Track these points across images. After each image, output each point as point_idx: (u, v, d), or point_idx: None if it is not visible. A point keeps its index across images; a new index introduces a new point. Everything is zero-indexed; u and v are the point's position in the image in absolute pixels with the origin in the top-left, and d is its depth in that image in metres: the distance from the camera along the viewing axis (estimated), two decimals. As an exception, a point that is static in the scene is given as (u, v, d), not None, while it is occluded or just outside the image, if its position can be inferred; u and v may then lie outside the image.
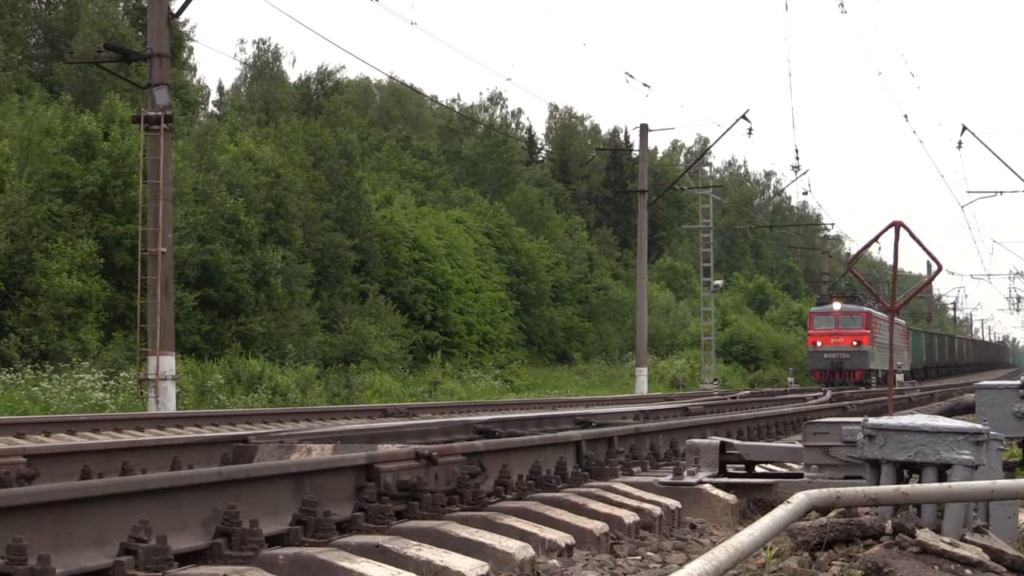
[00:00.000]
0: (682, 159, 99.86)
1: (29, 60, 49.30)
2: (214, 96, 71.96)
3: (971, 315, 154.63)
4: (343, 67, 77.98)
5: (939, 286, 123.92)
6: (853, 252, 76.32)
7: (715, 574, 3.97)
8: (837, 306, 54.16)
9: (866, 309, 54.33)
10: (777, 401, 24.98)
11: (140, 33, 41.48)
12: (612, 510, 6.86)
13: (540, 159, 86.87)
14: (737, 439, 10.38)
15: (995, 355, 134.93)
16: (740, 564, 4.78)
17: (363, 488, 5.97)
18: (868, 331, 53.75)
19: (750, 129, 42.14)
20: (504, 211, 60.86)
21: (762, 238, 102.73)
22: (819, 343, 54.00)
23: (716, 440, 8.40)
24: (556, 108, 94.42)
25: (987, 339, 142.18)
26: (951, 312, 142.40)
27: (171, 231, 22.08)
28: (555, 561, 5.77)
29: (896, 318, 54.95)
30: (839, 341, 53.39)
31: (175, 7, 22.95)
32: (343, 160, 46.93)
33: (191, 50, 57.65)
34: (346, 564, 4.72)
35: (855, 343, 53.34)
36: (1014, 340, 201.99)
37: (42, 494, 4.43)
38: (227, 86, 75.75)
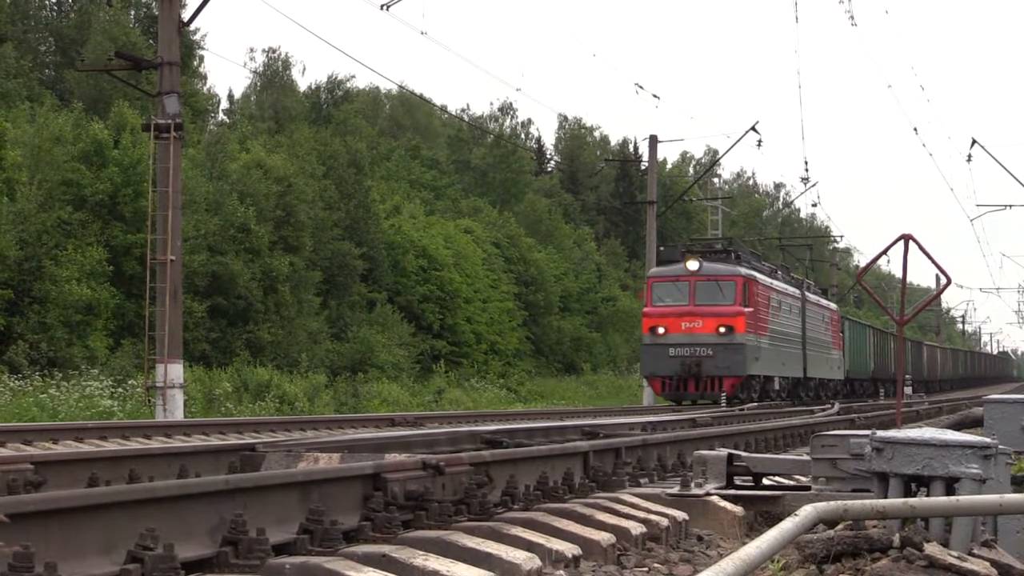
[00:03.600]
0: (691, 170, 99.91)
1: (40, 68, 49.47)
2: (224, 105, 72.12)
3: (980, 328, 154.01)
4: (353, 76, 78.26)
5: (948, 300, 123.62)
6: (862, 265, 74.68)
7: (722, 586, 3.96)
8: (693, 265, 34.13)
9: (744, 271, 34.99)
10: (784, 414, 24.93)
11: (151, 41, 41.57)
12: (619, 521, 6.85)
13: (549, 169, 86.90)
14: (744, 451, 10.36)
15: (995, 368, 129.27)
16: (747, 576, 4.77)
17: (370, 497, 5.96)
18: (747, 309, 34.25)
19: (759, 141, 42.10)
20: (513, 221, 60.91)
21: (771, 250, 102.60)
22: (661, 329, 33.98)
23: (723, 452, 8.39)
24: (565, 118, 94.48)
25: (974, 350, 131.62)
26: (959, 325, 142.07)
27: (180, 239, 22.11)
28: (561, 572, 5.76)
29: (815, 297, 44.69)
30: (695, 326, 33.87)
31: (186, 16, 23.03)
32: (353, 169, 47.00)
33: (201, 58, 57.83)
34: (352, 573, 4.71)
35: (722, 329, 33.46)
36: (1022, 353, 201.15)
37: (49, 501, 4.43)
38: (237, 95, 75.92)
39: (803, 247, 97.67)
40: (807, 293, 43.43)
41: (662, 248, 39.39)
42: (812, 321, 42.99)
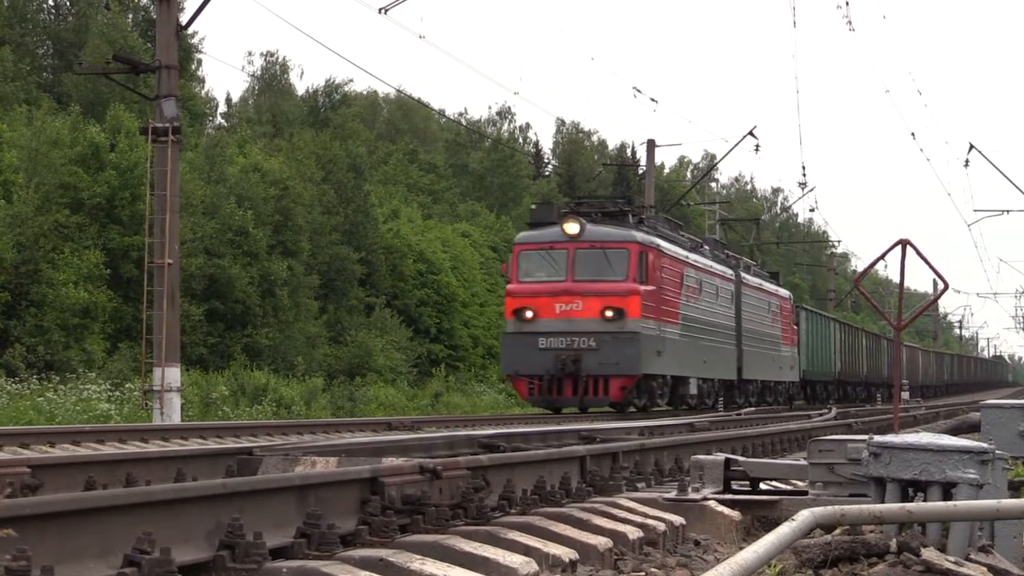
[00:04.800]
0: (689, 175, 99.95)
1: (38, 71, 49.47)
2: (222, 108, 72.17)
3: (977, 333, 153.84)
4: (351, 80, 78.18)
5: (945, 304, 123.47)
6: (860, 269, 73.62)
7: (719, 591, 3.96)
8: (573, 228, 26.69)
9: (642, 237, 27.40)
10: (782, 418, 24.93)
11: (149, 45, 41.57)
12: (616, 526, 6.85)
13: (547, 173, 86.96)
14: (742, 456, 10.36)
15: (988, 373, 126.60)
16: (744, 581, 4.77)
17: (367, 501, 5.96)
18: (645, 287, 26.86)
19: (757, 145, 42.05)
20: (510, 225, 60.93)
21: (768, 255, 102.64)
22: (528, 312, 26.59)
23: (721, 456, 8.39)
24: (563, 122, 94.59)
25: (964, 354, 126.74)
26: (957, 330, 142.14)
27: (177, 243, 22.11)
28: (559, 576, 5.75)
29: (755, 280, 37.54)
30: (573, 309, 26.40)
31: (184, 19, 23.03)
32: (352, 174, 47.04)
33: (199, 62, 57.85)
34: (349, 578, 4.71)
35: (609, 312, 26.14)
36: (1020, 359, 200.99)
37: (46, 505, 4.43)
38: (235, 98, 75.95)
39: (802, 252, 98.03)
40: (745, 275, 36.80)
41: (534, 206, 30.58)
42: (752, 310, 36.59)
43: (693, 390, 30.47)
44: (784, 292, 42.57)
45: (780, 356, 39.91)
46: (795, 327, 42.47)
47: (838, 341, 50.20)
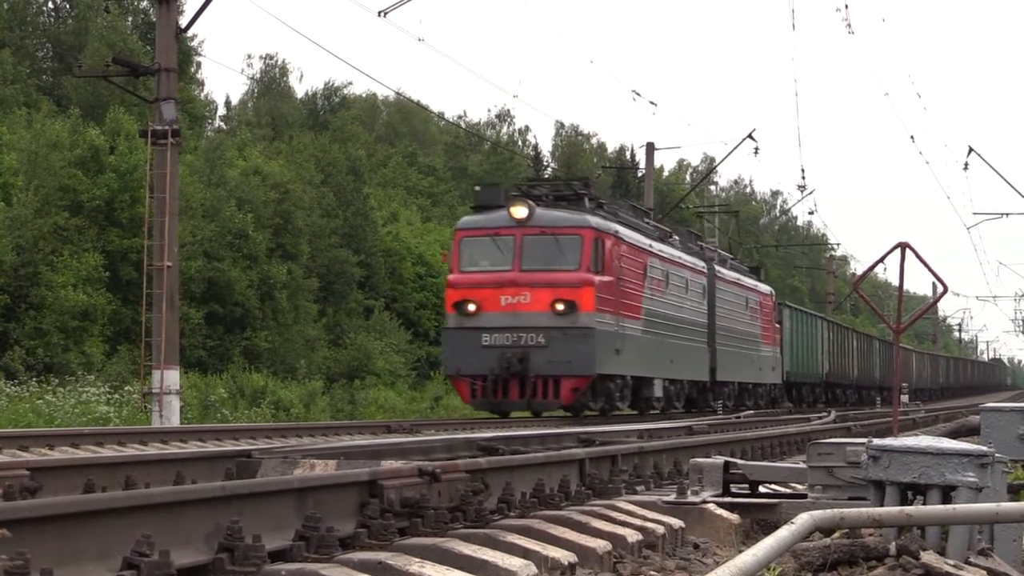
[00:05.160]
0: (688, 178, 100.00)
1: (37, 73, 49.47)
2: (221, 111, 72.19)
3: (976, 337, 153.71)
4: (350, 83, 78.25)
5: (944, 308, 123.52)
6: (859, 272, 73.08)
7: (718, 594, 3.96)
8: (521, 212, 24.31)
9: (598, 222, 24.97)
10: (781, 421, 24.95)
11: (148, 47, 41.58)
12: (615, 529, 6.85)
13: (546, 176, 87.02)
14: (741, 459, 10.36)
15: (986, 376, 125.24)
16: (743, 584, 4.76)
17: (366, 504, 5.97)
18: (601, 277, 24.49)
19: (756, 148, 41.92)
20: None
21: (768, 258, 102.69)
22: (471, 306, 24.29)
23: (720, 459, 8.39)
24: (562, 125, 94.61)
25: (959, 356, 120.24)
26: (956, 334, 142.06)
27: (177, 245, 22.12)
28: (558, 579, 5.75)
29: (732, 274, 35.22)
30: (521, 302, 24.04)
31: (183, 22, 23.05)
32: (351, 176, 47.05)
33: (199, 65, 57.85)
34: (348, 580, 4.71)
35: (560, 305, 23.82)
36: (1020, 362, 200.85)
37: (45, 507, 4.43)
38: (234, 101, 75.99)
39: (801, 254, 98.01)
40: (720, 268, 34.30)
41: (478, 188, 27.50)
42: (727, 305, 34.31)
43: (658, 392, 27.77)
44: (765, 288, 39.90)
45: (760, 356, 37.46)
46: (777, 325, 40.32)
47: (826, 341, 48.03)
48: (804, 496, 7.62)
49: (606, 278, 24.72)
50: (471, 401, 24.81)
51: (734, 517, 7.65)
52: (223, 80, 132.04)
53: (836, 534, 5.69)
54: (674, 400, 29.52)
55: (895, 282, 13.68)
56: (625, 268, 25.82)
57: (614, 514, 7.24)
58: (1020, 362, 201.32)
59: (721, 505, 7.76)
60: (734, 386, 34.98)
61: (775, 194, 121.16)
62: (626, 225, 26.81)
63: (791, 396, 42.93)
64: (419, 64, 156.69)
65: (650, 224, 30.08)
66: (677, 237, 31.98)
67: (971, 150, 41.14)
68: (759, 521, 7.88)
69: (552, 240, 24.23)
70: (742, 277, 37.13)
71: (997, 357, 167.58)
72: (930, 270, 13.90)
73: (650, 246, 27.86)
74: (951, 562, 5.19)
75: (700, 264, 32.33)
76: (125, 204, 32.63)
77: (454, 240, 25.72)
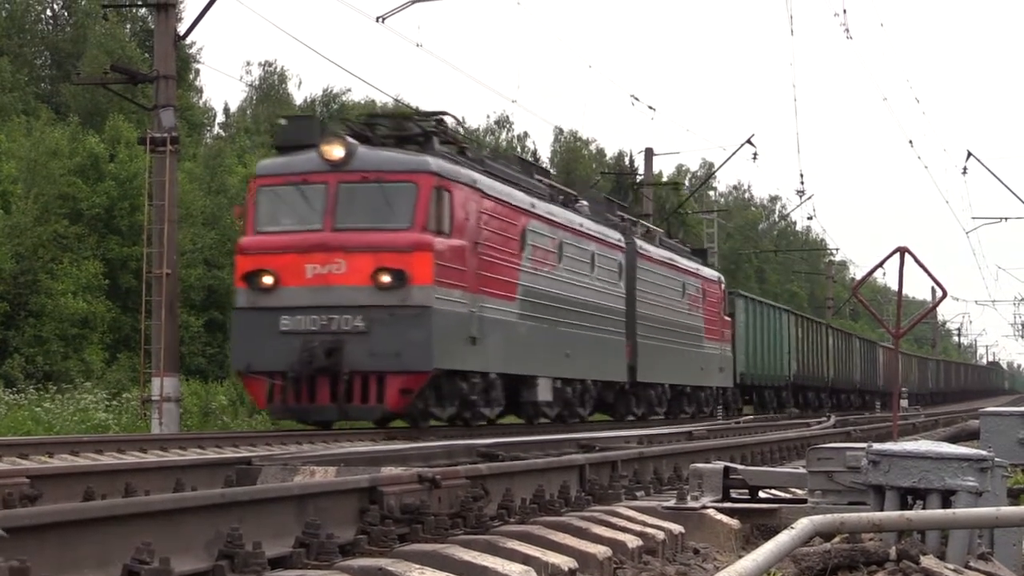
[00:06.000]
0: (687, 183, 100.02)
1: (36, 81, 49.52)
2: (220, 118, 72.22)
3: (975, 341, 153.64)
4: (349, 89, 78.12)
5: (944, 312, 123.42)
6: (858, 277, 72.78)
7: (718, 600, 3.96)
8: (336, 151, 18.60)
9: (440, 166, 19.09)
10: (781, 426, 24.93)
11: (147, 55, 41.63)
12: (615, 534, 6.85)
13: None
14: (741, 464, 10.36)
15: (983, 380, 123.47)
16: (743, 590, 4.76)
17: (366, 511, 5.97)
18: (442, 239, 18.82)
19: (755, 154, 41.66)
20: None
21: (766, 263, 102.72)
22: (268, 278, 18.47)
23: (720, 465, 8.39)
24: (561, 131, 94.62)
25: (953, 359, 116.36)
26: (955, 338, 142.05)
27: (176, 253, 22.14)
28: (558, 585, 5.74)
29: (663, 253, 30.01)
30: (332, 272, 18.28)
31: (182, 29, 23.07)
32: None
33: (197, 72, 57.88)
34: (349, 587, 4.71)
35: (385, 277, 18.08)
36: (1019, 366, 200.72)
37: (45, 515, 4.43)
38: (233, 108, 76.02)
39: (800, 260, 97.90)
40: (644, 244, 28.90)
41: (283, 120, 22.65)
42: (655, 290, 28.93)
43: (545, 395, 22.23)
44: (711, 273, 34.50)
45: (703, 354, 32.08)
46: (728, 318, 35.14)
47: (794, 338, 42.46)
48: (804, 501, 7.62)
49: (454, 242, 19.02)
50: (266, 405, 18.87)
51: (734, 522, 7.65)
52: (222, 87, 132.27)
53: (836, 539, 5.69)
54: (576, 405, 24.18)
55: (894, 287, 13.72)
56: (489, 231, 20.24)
57: (614, 520, 7.24)
58: (1019, 366, 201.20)
59: (721, 510, 7.76)
60: (663, 389, 29.62)
61: (774, 199, 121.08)
62: (496, 177, 21.18)
63: (749, 400, 38.76)
64: (418, 70, 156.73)
65: (544, 183, 24.36)
66: (586, 203, 26.53)
67: (970, 154, 41.09)
68: (759, 526, 7.88)
69: (377, 189, 18.40)
70: (677, 257, 31.47)
71: (995, 361, 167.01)
72: (929, 274, 13.90)
73: (532, 206, 22.21)
74: (951, 566, 5.20)
75: (615, 236, 26.66)
76: (125, 212, 32.66)
77: (249, 191, 19.92)
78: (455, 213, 19.17)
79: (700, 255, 35.53)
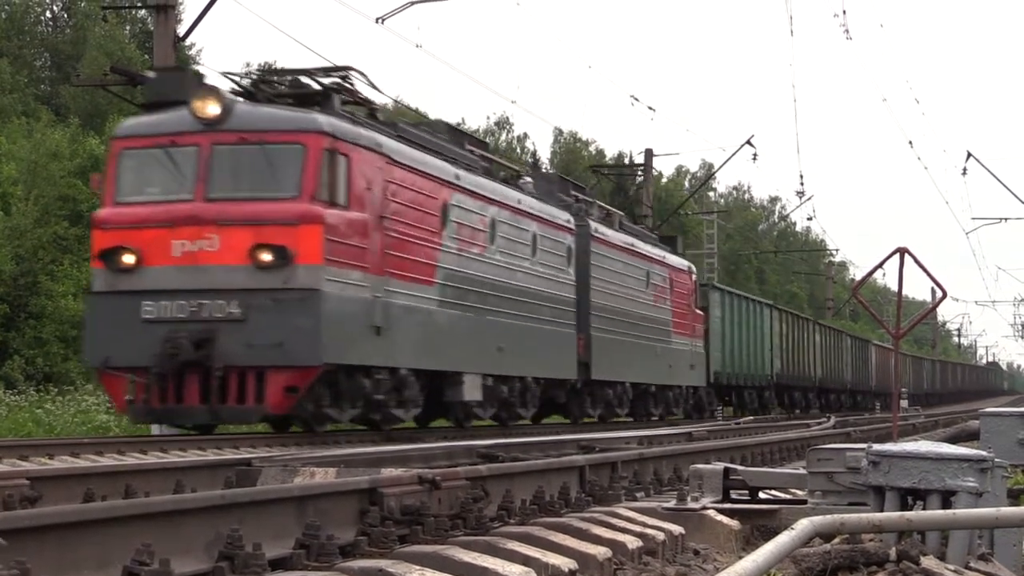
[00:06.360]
0: (687, 184, 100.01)
1: (36, 83, 49.54)
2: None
3: (975, 341, 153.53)
4: (348, 91, 78.08)
5: (944, 313, 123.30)
6: (858, 278, 72.78)
7: (718, 600, 3.96)
8: (211, 107, 15.72)
9: (333, 125, 16.14)
10: (781, 427, 24.93)
11: (147, 56, 41.62)
12: (615, 535, 6.85)
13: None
14: (741, 465, 10.37)
15: (982, 380, 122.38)
16: (743, 590, 4.76)
17: (366, 512, 5.97)
18: (335, 210, 15.83)
19: (755, 154, 41.67)
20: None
21: (766, 263, 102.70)
22: (129, 257, 15.58)
23: (720, 466, 8.39)
24: (561, 132, 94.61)
25: (949, 359, 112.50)
26: (955, 338, 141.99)
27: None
28: (558, 586, 5.74)
29: (625, 239, 27.55)
30: (204, 250, 15.47)
31: (181, 30, 23.07)
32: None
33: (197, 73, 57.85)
34: (349, 588, 4.71)
35: (265, 254, 15.33)
36: (1019, 367, 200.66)
37: (45, 517, 4.43)
38: (233, 109, 75.97)
39: (800, 260, 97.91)
40: (600, 227, 26.23)
41: (151, 71, 19.73)
42: (613, 278, 26.50)
43: (473, 394, 19.68)
44: (680, 262, 31.82)
45: (670, 350, 29.58)
46: (700, 312, 32.74)
47: (776, 335, 39.96)
48: (804, 502, 7.62)
49: (352, 215, 16.31)
50: (124, 408, 16.20)
51: (734, 523, 7.66)
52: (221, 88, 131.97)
53: (836, 540, 5.69)
54: (515, 406, 21.80)
55: (894, 287, 13.72)
56: (399, 204, 17.51)
57: (614, 521, 7.24)
58: (1019, 367, 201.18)
59: (721, 511, 7.76)
60: (624, 387, 27.08)
61: (773, 200, 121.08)
62: (412, 143, 18.48)
63: (728, 401, 36.49)
64: (417, 71, 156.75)
65: (476, 153, 21.50)
66: (530, 180, 24.16)
67: (969, 155, 41.13)
68: (759, 527, 7.89)
69: (257, 151, 15.78)
70: (640, 243, 28.79)
71: (994, 361, 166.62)
72: (929, 275, 13.90)
73: (456, 178, 19.44)
74: (951, 567, 5.20)
75: (563, 217, 23.99)
76: (124, 213, 32.66)
77: (109, 156, 17.33)
78: (353, 181, 16.34)
79: (669, 242, 32.98)
